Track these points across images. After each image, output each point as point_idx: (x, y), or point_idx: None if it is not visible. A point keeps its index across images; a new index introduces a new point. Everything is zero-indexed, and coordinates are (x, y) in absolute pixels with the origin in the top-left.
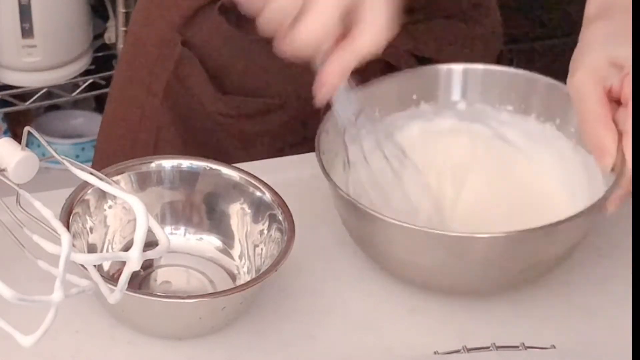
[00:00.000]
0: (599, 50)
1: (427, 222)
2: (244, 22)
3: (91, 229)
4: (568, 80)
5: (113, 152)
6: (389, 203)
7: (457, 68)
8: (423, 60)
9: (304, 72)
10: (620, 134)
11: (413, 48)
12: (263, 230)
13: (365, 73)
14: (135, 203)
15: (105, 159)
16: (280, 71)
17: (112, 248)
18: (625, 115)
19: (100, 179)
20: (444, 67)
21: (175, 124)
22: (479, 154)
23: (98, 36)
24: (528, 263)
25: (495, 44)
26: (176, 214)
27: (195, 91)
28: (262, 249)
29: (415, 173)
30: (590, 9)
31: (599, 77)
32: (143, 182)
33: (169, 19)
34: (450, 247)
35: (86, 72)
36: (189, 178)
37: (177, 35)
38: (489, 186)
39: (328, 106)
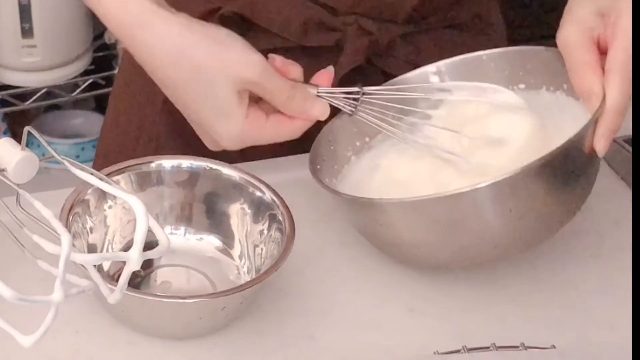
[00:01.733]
0: (584, 4)
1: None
2: (244, 33)
3: (91, 229)
4: (557, 34)
5: (114, 160)
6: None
7: (465, 58)
8: None
9: None
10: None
11: (414, 58)
12: (263, 230)
13: (365, 82)
14: (135, 203)
15: (105, 166)
16: None
17: (112, 248)
18: (612, 57)
19: (100, 179)
20: (452, 60)
21: (175, 133)
22: (496, 122)
23: (98, 36)
24: (510, 221)
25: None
26: (176, 214)
27: None
28: (262, 249)
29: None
30: None
31: (585, 27)
32: (143, 182)
33: None
34: (424, 212)
35: (86, 72)
36: (189, 178)
37: None
38: (500, 152)
39: (326, 120)
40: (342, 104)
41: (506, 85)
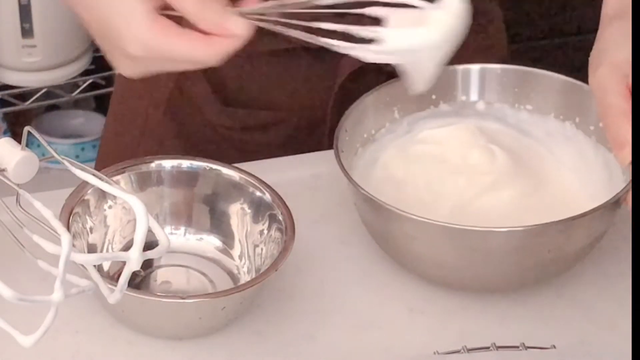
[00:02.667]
0: (620, 48)
1: (448, 217)
2: None
3: (91, 229)
4: (590, 76)
5: (115, 161)
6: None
7: (475, 68)
8: None
9: (306, 86)
10: None
11: None
12: (263, 230)
13: (367, 83)
14: (135, 203)
15: (107, 166)
16: (282, 84)
17: (112, 248)
18: None
19: (100, 179)
20: (461, 67)
21: (178, 135)
22: (500, 154)
23: None
24: (546, 258)
25: (498, 54)
26: (176, 214)
27: (197, 103)
28: (262, 249)
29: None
30: (607, 10)
31: (620, 73)
32: (143, 182)
33: None
34: (469, 242)
35: (86, 72)
36: (189, 178)
37: None
38: (509, 185)
39: (332, 117)
40: (264, 23)
41: (512, 103)
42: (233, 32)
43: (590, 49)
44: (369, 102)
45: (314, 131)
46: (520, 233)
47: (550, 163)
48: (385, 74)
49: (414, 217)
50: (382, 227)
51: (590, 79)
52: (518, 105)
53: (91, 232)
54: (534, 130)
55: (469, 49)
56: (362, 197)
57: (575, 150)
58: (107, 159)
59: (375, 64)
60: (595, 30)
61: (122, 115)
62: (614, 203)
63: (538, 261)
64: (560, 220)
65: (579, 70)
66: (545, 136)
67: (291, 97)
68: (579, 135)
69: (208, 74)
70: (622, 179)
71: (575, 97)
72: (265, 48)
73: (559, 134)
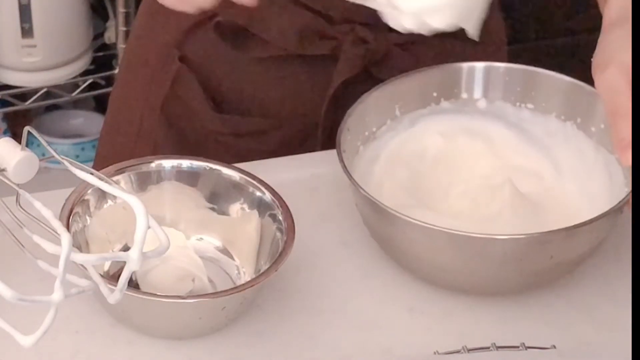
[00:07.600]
0: (627, 51)
1: (449, 215)
2: (239, 41)
3: (91, 229)
4: (597, 77)
5: (113, 161)
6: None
7: (479, 66)
8: None
9: (299, 93)
10: None
11: (412, 68)
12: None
13: (360, 90)
14: (135, 203)
15: (105, 166)
16: (276, 91)
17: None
18: None
19: (100, 179)
20: (465, 65)
21: (172, 139)
22: (498, 153)
23: (98, 36)
24: (548, 264)
25: (498, 60)
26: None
27: (192, 108)
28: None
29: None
30: (610, 14)
31: (629, 75)
32: (143, 182)
33: (166, 34)
34: (471, 248)
35: (86, 72)
36: (189, 178)
37: (174, 51)
38: (507, 186)
39: (325, 125)
40: None
41: (513, 102)
42: None
43: (583, 50)
44: (371, 100)
45: (306, 138)
46: (523, 240)
47: (549, 164)
48: (378, 80)
49: (416, 222)
50: (384, 229)
51: (597, 80)
52: (520, 104)
53: (91, 232)
54: (534, 129)
55: (467, 56)
56: (363, 198)
57: (575, 151)
58: (105, 159)
59: (371, 73)
60: (586, 32)
61: (119, 117)
62: (617, 210)
63: (540, 267)
64: (563, 228)
65: (571, 70)
66: (545, 136)
67: (284, 104)
68: (579, 136)
69: (202, 79)
70: (622, 182)
71: (578, 98)
72: (259, 55)
73: (559, 134)
